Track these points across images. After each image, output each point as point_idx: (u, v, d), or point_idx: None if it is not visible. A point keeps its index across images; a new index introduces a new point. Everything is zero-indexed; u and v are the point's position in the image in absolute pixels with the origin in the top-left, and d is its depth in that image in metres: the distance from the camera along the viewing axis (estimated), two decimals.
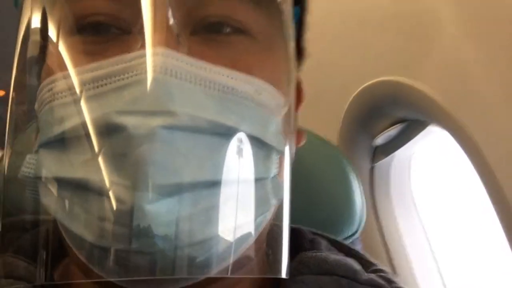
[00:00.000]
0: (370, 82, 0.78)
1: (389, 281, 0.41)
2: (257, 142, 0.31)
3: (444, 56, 0.60)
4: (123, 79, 0.29)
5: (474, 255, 0.84)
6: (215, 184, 0.30)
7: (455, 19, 0.58)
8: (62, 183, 0.31)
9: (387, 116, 0.83)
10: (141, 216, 0.28)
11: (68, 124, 0.30)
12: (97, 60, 0.31)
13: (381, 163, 0.91)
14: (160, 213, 0.28)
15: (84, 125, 0.30)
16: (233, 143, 0.30)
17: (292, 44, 0.36)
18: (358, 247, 0.62)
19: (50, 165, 0.31)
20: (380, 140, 0.86)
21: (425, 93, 0.62)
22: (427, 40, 0.62)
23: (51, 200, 0.31)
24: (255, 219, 0.31)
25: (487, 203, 0.59)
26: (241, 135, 0.30)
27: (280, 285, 0.39)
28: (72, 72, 0.31)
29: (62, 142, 0.31)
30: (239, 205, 0.31)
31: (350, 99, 0.86)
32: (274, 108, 0.33)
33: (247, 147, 0.31)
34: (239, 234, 0.30)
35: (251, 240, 0.31)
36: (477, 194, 0.66)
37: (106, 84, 0.30)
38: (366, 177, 0.93)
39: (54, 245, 0.41)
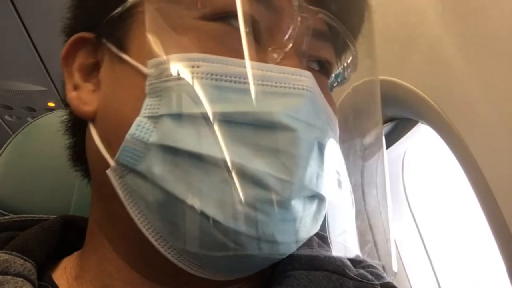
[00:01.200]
0: (359, 82, 0.79)
1: (378, 276, 0.42)
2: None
3: (428, 56, 0.61)
4: (282, 87, 0.33)
5: (466, 253, 0.85)
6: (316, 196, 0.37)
7: (438, 20, 0.59)
8: (200, 160, 0.31)
9: None
10: (285, 209, 0.32)
11: (228, 108, 0.32)
12: (250, 57, 0.33)
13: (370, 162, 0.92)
14: (299, 210, 0.34)
15: (251, 114, 0.32)
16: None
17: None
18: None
19: (197, 139, 0.31)
20: (370, 139, 0.87)
21: (413, 90, 0.63)
22: (412, 40, 0.63)
23: (169, 171, 0.32)
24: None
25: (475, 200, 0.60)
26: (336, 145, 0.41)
27: (272, 279, 0.40)
28: (229, 60, 0.33)
29: (214, 121, 0.31)
30: (321, 214, 0.40)
31: (340, 99, 0.87)
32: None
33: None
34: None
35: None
36: (467, 191, 0.67)
37: (269, 86, 0.33)
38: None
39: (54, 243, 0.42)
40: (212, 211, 0.31)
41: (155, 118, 0.32)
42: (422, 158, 0.92)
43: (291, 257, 0.41)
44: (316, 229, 0.39)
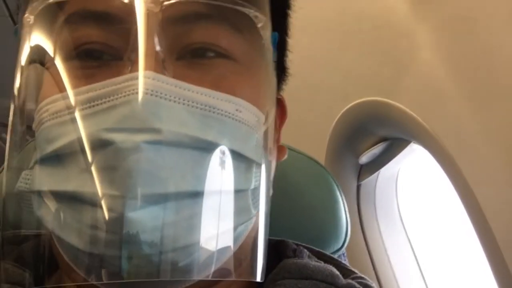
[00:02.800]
0: (354, 103, 0.81)
1: (367, 287, 0.43)
2: (236, 155, 0.34)
3: (419, 78, 0.63)
4: (113, 100, 0.32)
5: (459, 270, 0.85)
6: (196, 194, 0.32)
7: (429, 44, 0.61)
8: (55, 195, 0.33)
9: (371, 135, 0.85)
10: (128, 224, 0.30)
11: (62, 141, 0.33)
12: (90, 83, 0.33)
13: (367, 181, 0.93)
14: (145, 220, 0.31)
15: (76, 141, 0.32)
16: (213, 156, 0.33)
17: (270, 66, 0.40)
18: (344, 261, 0.63)
19: (45, 180, 0.34)
20: (365, 158, 0.88)
21: (405, 111, 0.65)
22: (404, 63, 0.65)
23: (45, 212, 0.34)
24: (235, 228, 0.34)
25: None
26: (221, 149, 0.33)
27: None
28: (66, 94, 0.34)
29: (56, 158, 0.33)
30: (219, 214, 0.33)
31: (336, 119, 0.88)
32: (254, 125, 0.36)
33: (227, 160, 0.33)
34: (219, 241, 0.33)
35: (231, 247, 0.34)
36: (460, 209, 0.68)
37: (97, 105, 0.32)
38: (353, 194, 0.95)
39: (47, 254, 0.43)
40: (73, 240, 0.32)
41: (32, 167, 0.35)
42: (415, 177, 0.93)
43: (281, 267, 0.42)
44: (217, 226, 0.34)
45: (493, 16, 0.53)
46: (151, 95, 0.31)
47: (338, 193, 0.63)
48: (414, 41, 0.63)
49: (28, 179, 0.35)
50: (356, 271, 0.46)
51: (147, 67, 0.33)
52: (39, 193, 0.34)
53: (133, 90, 0.31)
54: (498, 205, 0.53)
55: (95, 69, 0.35)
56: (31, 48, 0.37)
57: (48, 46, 0.37)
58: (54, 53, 0.37)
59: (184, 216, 0.32)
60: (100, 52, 0.36)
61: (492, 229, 0.53)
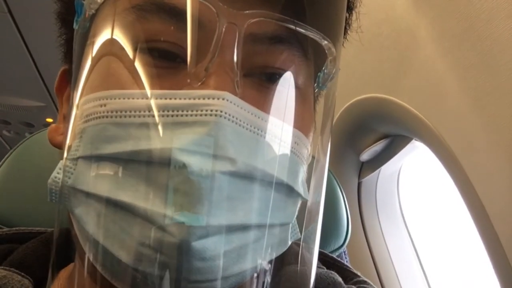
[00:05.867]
0: (354, 99, 0.80)
1: None
2: (290, 189, 0.34)
3: (420, 75, 0.62)
4: (188, 115, 0.30)
5: (461, 268, 0.85)
6: (252, 227, 0.33)
7: (430, 40, 0.60)
8: (105, 201, 0.31)
9: (372, 132, 0.85)
10: (189, 251, 0.29)
11: (124, 146, 0.30)
12: (161, 87, 0.31)
13: (368, 178, 0.93)
14: (205, 249, 0.30)
15: (144, 152, 0.30)
16: (275, 191, 0.33)
17: (314, 96, 0.40)
18: (345, 259, 0.63)
19: (94, 180, 0.31)
20: (366, 155, 0.88)
21: (406, 108, 0.64)
22: (405, 59, 0.65)
23: (84, 212, 0.31)
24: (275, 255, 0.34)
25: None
26: (282, 183, 0.33)
27: None
28: (133, 93, 0.31)
29: (113, 161, 0.31)
30: (265, 245, 0.34)
31: (337, 116, 0.88)
32: (305, 158, 0.35)
33: (285, 195, 0.34)
34: (261, 271, 0.33)
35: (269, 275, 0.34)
36: (461, 206, 0.68)
37: (170, 116, 0.30)
38: (354, 192, 0.94)
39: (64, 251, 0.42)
40: (118, 252, 0.30)
41: (74, 161, 0.33)
42: (417, 175, 0.93)
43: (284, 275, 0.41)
44: (262, 257, 0.34)
45: (495, 12, 0.52)
46: (229, 120, 0.30)
47: (339, 191, 0.63)
48: (415, 37, 0.63)
49: (71, 173, 0.33)
50: (359, 273, 0.46)
51: (225, 87, 0.32)
52: (82, 192, 0.32)
53: (211, 111, 0.30)
54: (500, 202, 0.52)
55: (164, 70, 0.33)
56: (94, 33, 0.35)
57: (115, 32, 0.34)
58: (119, 42, 0.34)
59: (236, 246, 0.32)
60: (174, 55, 0.33)
61: (494, 226, 0.53)
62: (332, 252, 0.58)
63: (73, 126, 0.33)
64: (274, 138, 0.33)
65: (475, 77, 0.53)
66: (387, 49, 0.69)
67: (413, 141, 0.78)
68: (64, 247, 0.48)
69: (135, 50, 0.33)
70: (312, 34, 0.35)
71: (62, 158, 0.44)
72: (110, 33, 0.34)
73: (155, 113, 0.30)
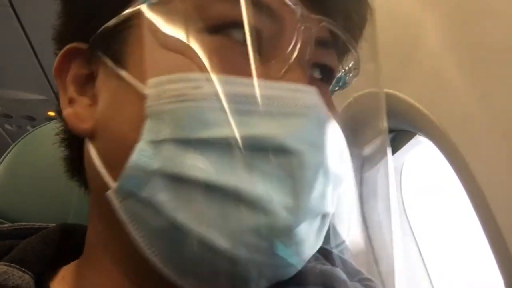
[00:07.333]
0: (357, 94, 0.79)
1: None
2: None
3: (424, 69, 0.62)
4: (285, 107, 0.32)
5: (465, 265, 0.85)
6: (325, 215, 0.38)
7: (434, 34, 0.60)
8: (204, 185, 0.30)
9: (375, 127, 0.84)
10: (292, 234, 0.31)
11: (228, 131, 0.30)
12: (247, 75, 0.31)
13: (371, 173, 0.92)
14: (303, 232, 0.33)
15: (250, 138, 0.30)
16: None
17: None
18: (347, 254, 0.63)
19: (192, 163, 0.30)
20: (368, 150, 0.87)
21: (410, 102, 0.64)
22: (409, 53, 0.64)
23: (175, 198, 0.31)
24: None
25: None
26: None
27: None
28: (236, 80, 0.32)
29: (213, 145, 0.30)
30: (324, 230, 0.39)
31: (340, 110, 0.87)
32: None
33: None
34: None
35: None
36: (465, 202, 0.67)
37: (274, 106, 0.32)
38: (356, 187, 0.94)
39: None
40: (217, 239, 0.30)
41: (157, 143, 0.31)
42: (420, 170, 0.92)
43: None
44: (318, 244, 0.38)
45: (500, 6, 0.52)
46: (324, 114, 0.35)
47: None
48: (419, 31, 0.62)
49: (151, 157, 0.31)
50: (362, 271, 0.46)
51: (309, 81, 0.36)
52: (171, 176, 0.30)
53: (309, 104, 0.33)
54: (505, 199, 0.52)
55: (243, 57, 0.32)
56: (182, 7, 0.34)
57: (206, 13, 0.34)
58: (214, 24, 0.34)
59: (312, 231, 0.36)
60: (255, 41, 0.33)
61: (498, 223, 0.52)
62: (334, 247, 0.57)
63: (137, 107, 0.32)
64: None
65: (481, 72, 0.53)
66: (392, 44, 0.68)
67: (417, 136, 0.78)
68: (69, 243, 0.48)
69: (226, 28, 0.34)
70: (352, 44, 0.41)
71: (69, 149, 0.44)
72: (198, 12, 0.34)
73: (260, 102, 0.31)
